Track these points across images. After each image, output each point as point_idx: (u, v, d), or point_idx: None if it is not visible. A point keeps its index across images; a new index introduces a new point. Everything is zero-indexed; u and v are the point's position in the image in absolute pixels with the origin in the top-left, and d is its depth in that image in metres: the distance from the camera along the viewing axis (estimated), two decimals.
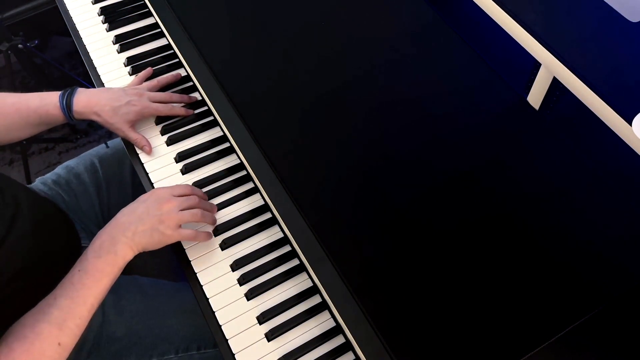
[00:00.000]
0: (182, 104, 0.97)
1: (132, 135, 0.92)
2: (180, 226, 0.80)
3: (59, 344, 0.70)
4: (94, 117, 0.91)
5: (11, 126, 0.90)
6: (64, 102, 0.89)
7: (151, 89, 0.95)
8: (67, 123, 0.93)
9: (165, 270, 1.13)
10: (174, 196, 0.81)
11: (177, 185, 0.85)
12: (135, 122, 0.93)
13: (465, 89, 0.84)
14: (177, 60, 1.04)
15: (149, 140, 0.93)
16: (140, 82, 0.97)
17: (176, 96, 0.97)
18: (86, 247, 0.94)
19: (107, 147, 1.10)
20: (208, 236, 0.83)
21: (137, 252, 0.78)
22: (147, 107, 0.92)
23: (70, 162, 1.08)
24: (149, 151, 0.92)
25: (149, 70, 1.00)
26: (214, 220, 0.85)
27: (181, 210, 0.80)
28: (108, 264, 0.75)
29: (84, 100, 0.90)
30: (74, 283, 0.73)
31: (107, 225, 0.79)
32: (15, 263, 0.75)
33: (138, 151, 0.94)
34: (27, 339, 0.68)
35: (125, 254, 0.77)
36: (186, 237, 0.81)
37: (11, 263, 0.74)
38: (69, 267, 0.77)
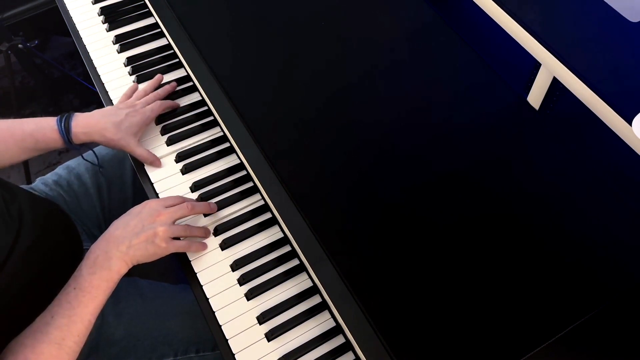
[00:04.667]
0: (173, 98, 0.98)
1: (138, 151, 0.91)
2: (174, 238, 0.81)
3: None
4: (97, 137, 0.90)
5: (5, 151, 0.88)
6: (62, 125, 0.88)
7: (139, 99, 0.95)
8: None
9: (165, 273, 1.13)
10: (166, 207, 0.82)
11: (168, 196, 0.85)
12: (140, 133, 0.92)
13: (466, 89, 0.84)
14: (177, 60, 1.04)
15: (152, 150, 0.93)
16: (128, 98, 0.97)
17: (161, 91, 0.97)
18: (87, 249, 0.94)
19: (97, 160, 1.06)
20: (202, 247, 0.83)
21: (131, 266, 0.79)
22: (144, 113, 0.92)
23: (71, 163, 1.08)
24: (159, 165, 0.92)
25: (134, 86, 0.99)
26: (207, 233, 0.85)
27: (174, 220, 0.81)
28: (103, 280, 0.76)
29: (83, 122, 0.89)
30: (70, 301, 0.74)
31: (100, 238, 0.79)
32: (23, 276, 0.75)
33: None
34: None
35: (119, 269, 0.77)
36: (180, 249, 0.82)
37: (19, 276, 0.74)
38: (70, 272, 0.77)
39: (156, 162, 0.92)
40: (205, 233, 0.85)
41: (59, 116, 0.89)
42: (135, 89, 0.98)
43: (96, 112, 0.92)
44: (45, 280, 0.79)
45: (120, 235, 0.78)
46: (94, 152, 1.03)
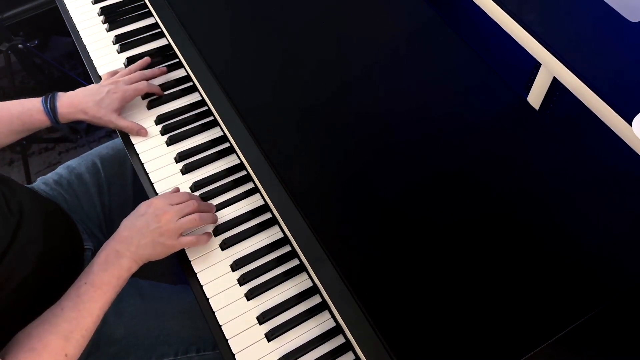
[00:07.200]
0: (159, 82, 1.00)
1: (123, 123, 0.93)
2: (181, 234, 0.81)
3: (66, 355, 0.71)
4: (81, 116, 0.92)
5: None
6: (48, 106, 0.90)
7: (123, 77, 0.97)
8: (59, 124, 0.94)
9: (165, 273, 1.12)
10: (172, 205, 0.82)
11: (174, 194, 0.85)
12: (122, 109, 0.95)
13: (465, 89, 0.84)
14: (177, 60, 1.04)
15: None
16: (112, 76, 0.99)
17: (148, 72, 0.99)
18: (88, 248, 0.94)
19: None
20: (209, 237, 0.84)
21: (141, 264, 0.80)
22: (126, 91, 0.94)
23: (72, 162, 1.08)
24: (145, 133, 0.94)
25: (117, 70, 1.01)
26: (215, 219, 0.85)
27: (180, 218, 0.81)
28: (114, 277, 0.77)
29: (67, 101, 0.92)
30: (80, 295, 0.74)
31: (111, 238, 0.81)
32: (21, 270, 0.75)
33: (138, 151, 0.94)
34: (34, 350, 0.69)
35: (130, 267, 0.78)
36: (188, 244, 0.82)
37: (17, 271, 0.75)
38: (72, 270, 0.77)
39: (142, 131, 0.94)
40: (213, 220, 0.85)
41: (43, 97, 0.91)
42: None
43: (80, 91, 0.94)
44: (46, 278, 0.80)
45: (128, 236, 0.79)
46: (98, 160, 1.06)
